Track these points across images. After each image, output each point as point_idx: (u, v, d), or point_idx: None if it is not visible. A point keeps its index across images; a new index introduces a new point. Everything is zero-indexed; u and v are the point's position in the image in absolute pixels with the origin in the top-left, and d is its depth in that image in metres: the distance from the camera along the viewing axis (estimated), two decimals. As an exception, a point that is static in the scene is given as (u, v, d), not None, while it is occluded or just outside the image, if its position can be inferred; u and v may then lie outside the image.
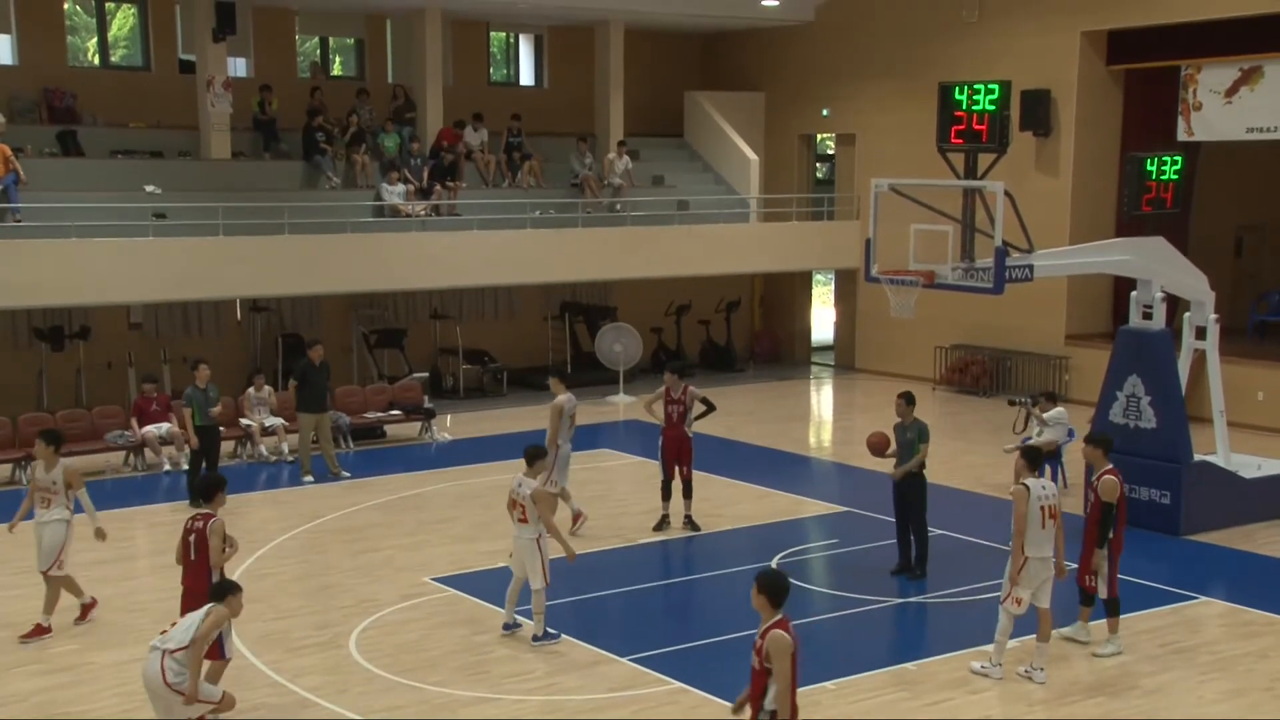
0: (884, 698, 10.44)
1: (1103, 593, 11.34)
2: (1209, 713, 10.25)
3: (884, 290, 15.44)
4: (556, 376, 15.35)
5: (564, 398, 14.88)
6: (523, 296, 25.66)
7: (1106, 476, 11.33)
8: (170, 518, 16.00)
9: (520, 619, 11.94)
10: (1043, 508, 10.66)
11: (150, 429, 18.18)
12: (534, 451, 11.86)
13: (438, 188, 22.88)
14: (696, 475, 15.54)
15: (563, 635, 11.73)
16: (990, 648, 10.93)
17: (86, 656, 11.36)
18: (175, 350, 21.83)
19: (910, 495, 13.42)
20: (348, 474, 17.84)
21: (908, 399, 13.47)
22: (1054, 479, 16.69)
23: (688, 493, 15.10)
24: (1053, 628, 11.01)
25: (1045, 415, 16.31)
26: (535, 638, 11.63)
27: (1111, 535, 11.27)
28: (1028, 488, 10.69)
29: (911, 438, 13.32)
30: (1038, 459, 11.12)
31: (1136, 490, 15.05)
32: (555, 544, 11.49)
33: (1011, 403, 16.95)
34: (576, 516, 14.86)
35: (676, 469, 15.01)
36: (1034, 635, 10.91)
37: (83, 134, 22.21)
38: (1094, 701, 10.40)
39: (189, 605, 9.79)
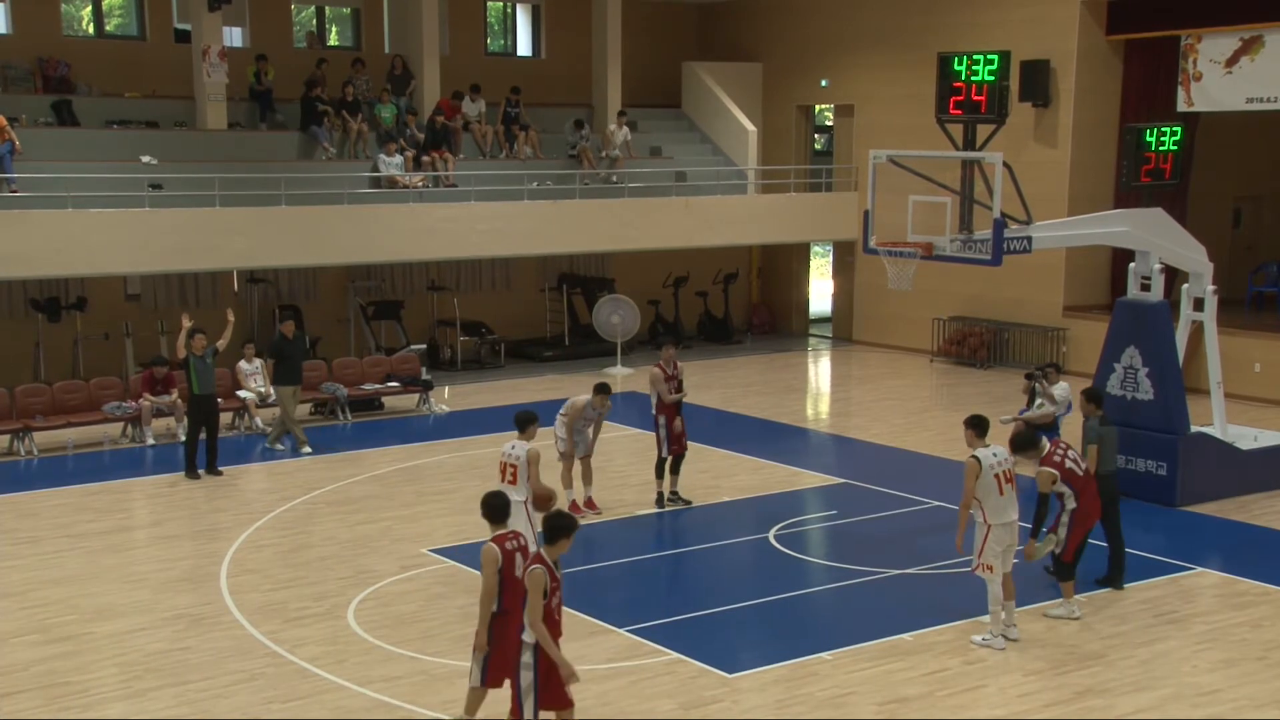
0: (881, 668, 10.49)
1: (1056, 550, 11.47)
2: (1202, 682, 10.30)
3: (882, 262, 15.43)
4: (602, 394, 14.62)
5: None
6: (520, 268, 25.62)
7: (1041, 469, 11.28)
8: (168, 489, 16.04)
9: None
10: (997, 475, 10.73)
11: (147, 398, 18.12)
12: (524, 416, 11.95)
13: (426, 158, 22.81)
14: (694, 446, 15.59)
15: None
16: (987, 619, 11.00)
17: (86, 627, 11.39)
18: (172, 322, 21.78)
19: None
20: (309, 450, 17.69)
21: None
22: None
23: (678, 467, 15.10)
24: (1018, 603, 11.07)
25: (1053, 390, 16.34)
26: None
27: (1075, 506, 11.36)
28: (978, 460, 10.74)
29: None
30: (984, 427, 11.07)
31: (1134, 461, 15.09)
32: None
33: (1029, 376, 17.01)
34: (577, 505, 14.78)
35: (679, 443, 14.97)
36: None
37: (78, 104, 22.13)
38: (1088, 671, 10.46)
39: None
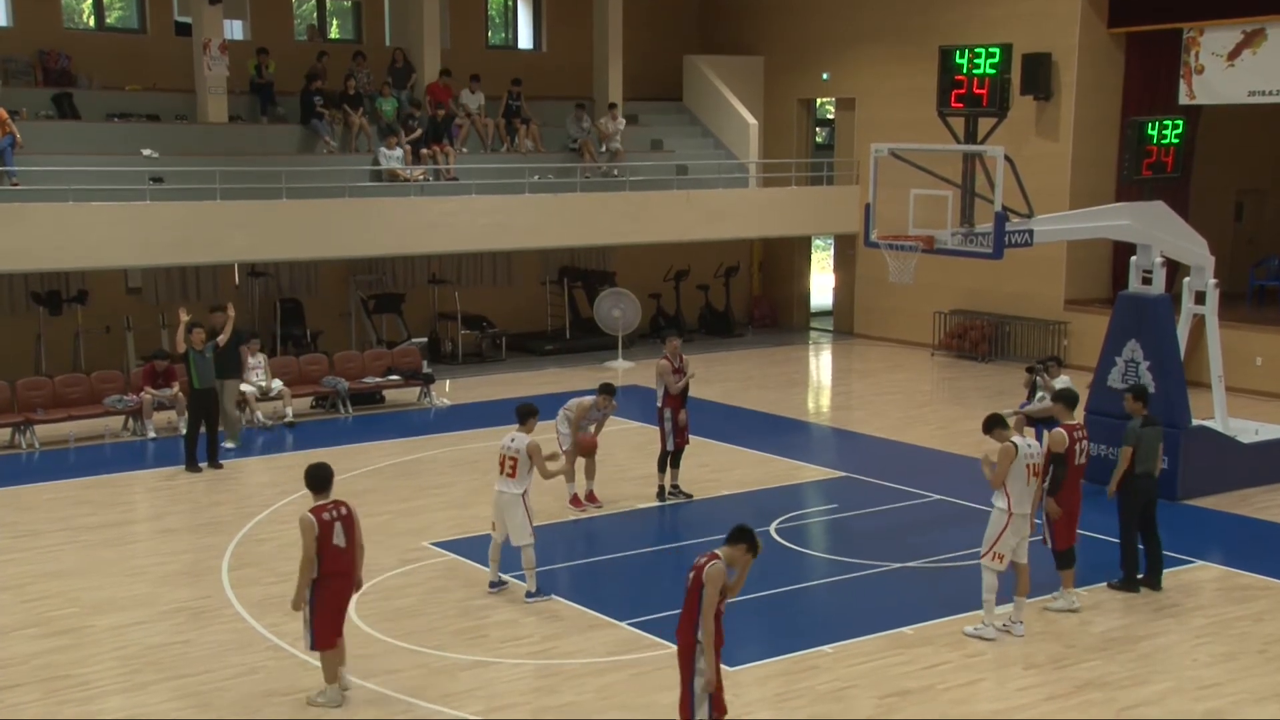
0: (881, 661, 10.49)
1: (1048, 543, 11.49)
2: (1203, 675, 10.30)
3: (883, 255, 15.40)
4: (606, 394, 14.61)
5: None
6: (521, 262, 25.60)
7: (1058, 429, 11.47)
8: (168, 482, 16.04)
9: (505, 577, 12.03)
10: (1028, 465, 10.80)
11: (148, 392, 18.11)
12: (525, 409, 11.98)
13: (424, 151, 22.77)
14: (695, 440, 15.58)
15: (553, 595, 11.85)
16: (980, 610, 11.00)
17: (86, 620, 11.40)
18: (174, 316, 21.75)
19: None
20: (231, 445, 17.41)
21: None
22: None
23: (679, 461, 15.10)
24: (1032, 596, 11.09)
25: (1055, 384, 16.31)
26: (529, 594, 11.74)
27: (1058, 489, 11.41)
28: (1016, 445, 10.79)
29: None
30: (1006, 422, 11.14)
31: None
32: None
33: (1030, 370, 17.00)
34: (578, 499, 14.78)
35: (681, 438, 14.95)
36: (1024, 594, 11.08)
37: (78, 97, 22.11)
38: (1088, 664, 10.46)
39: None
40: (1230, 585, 12.40)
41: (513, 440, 11.73)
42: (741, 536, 8.35)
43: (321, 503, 9.58)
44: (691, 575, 8.31)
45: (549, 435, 14.98)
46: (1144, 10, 22.36)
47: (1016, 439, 10.89)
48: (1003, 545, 10.81)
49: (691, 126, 27.70)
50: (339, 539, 9.48)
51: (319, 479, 9.65)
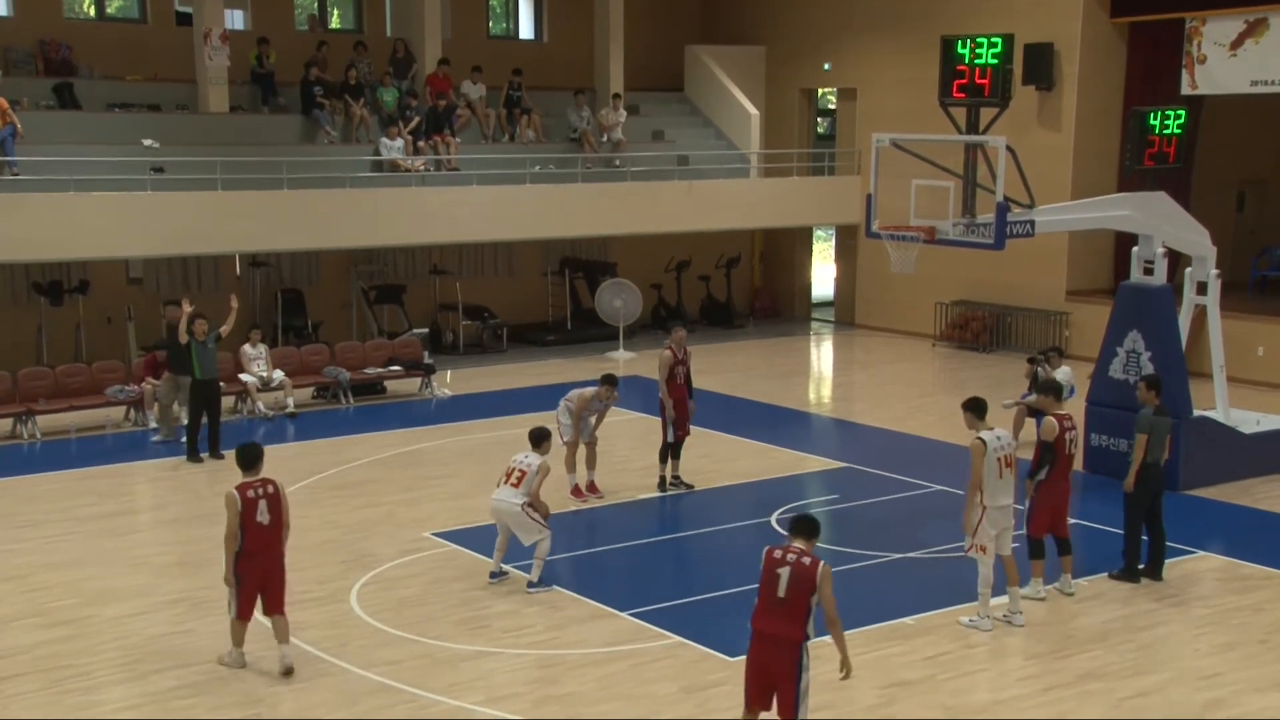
0: (882, 651, 10.50)
1: (1022, 529, 11.43)
2: (1203, 665, 10.31)
3: (884, 246, 15.40)
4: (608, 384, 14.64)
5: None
6: (522, 252, 25.58)
7: (1048, 418, 11.50)
8: (170, 473, 16.05)
9: (507, 568, 12.04)
10: (999, 458, 10.76)
11: (149, 382, 18.10)
12: (540, 432, 12.08)
13: (422, 144, 22.74)
14: (696, 431, 15.58)
15: (555, 586, 11.84)
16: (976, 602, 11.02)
17: (87, 610, 11.41)
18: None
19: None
20: (156, 439, 17.19)
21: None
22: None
23: (679, 452, 15.10)
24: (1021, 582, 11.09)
25: (1056, 374, 16.32)
26: (530, 584, 11.74)
27: (1044, 476, 11.39)
28: (983, 441, 10.76)
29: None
30: (983, 410, 11.06)
31: (1136, 445, 15.08)
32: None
33: (1032, 360, 16.99)
34: (579, 489, 14.74)
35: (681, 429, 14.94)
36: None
37: (79, 87, 22.07)
38: (1088, 654, 10.46)
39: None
40: (1231, 575, 12.41)
41: (526, 457, 11.81)
42: (816, 530, 8.34)
43: (249, 480, 9.85)
44: (786, 571, 8.05)
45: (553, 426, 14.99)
46: (1146, 0, 22.31)
47: (984, 434, 10.83)
48: (981, 536, 10.81)
49: (693, 117, 27.66)
50: (263, 516, 9.79)
51: (247, 458, 9.98)
